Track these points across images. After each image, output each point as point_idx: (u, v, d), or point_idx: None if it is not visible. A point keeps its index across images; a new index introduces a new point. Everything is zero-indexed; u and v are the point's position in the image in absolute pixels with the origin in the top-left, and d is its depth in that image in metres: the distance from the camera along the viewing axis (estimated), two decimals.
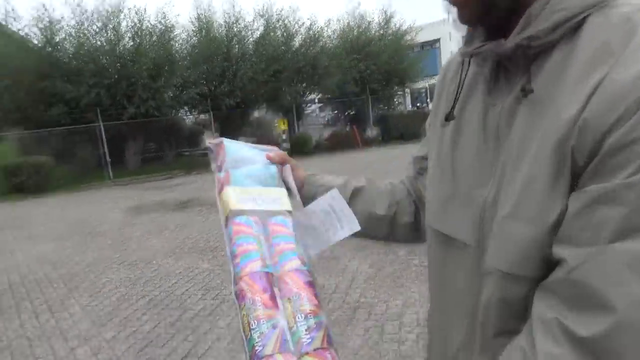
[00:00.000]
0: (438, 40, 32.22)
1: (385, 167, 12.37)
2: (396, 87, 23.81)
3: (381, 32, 22.75)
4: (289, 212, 0.90)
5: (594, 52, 0.60)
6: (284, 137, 17.69)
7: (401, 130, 20.51)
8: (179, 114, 19.09)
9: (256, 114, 21.14)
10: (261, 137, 18.19)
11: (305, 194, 1.02)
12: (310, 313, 0.73)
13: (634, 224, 0.53)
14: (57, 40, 15.86)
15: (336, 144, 19.03)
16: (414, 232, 1.03)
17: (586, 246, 0.56)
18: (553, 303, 0.59)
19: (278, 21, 19.50)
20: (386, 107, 23.57)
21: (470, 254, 0.73)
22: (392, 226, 1.03)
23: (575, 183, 0.60)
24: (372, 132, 21.69)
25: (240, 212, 0.85)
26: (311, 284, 0.78)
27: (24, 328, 4.28)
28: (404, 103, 26.90)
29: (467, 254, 0.73)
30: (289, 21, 19.69)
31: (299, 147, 17.61)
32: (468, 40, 0.77)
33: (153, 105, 15.82)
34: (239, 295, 0.75)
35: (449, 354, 0.80)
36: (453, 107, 0.78)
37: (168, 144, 18.02)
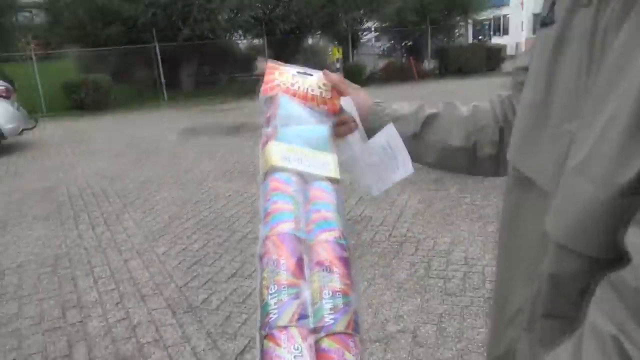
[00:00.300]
0: None
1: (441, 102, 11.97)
2: (458, 18, 22.61)
3: None
4: (336, 180, 0.79)
5: None
6: (337, 65, 17.27)
7: (460, 64, 19.67)
8: (233, 38, 18.89)
9: (310, 40, 20.67)
10: (314, 64, 17.86)
11: (368, 125, 0.88)
12: (339, 291, 0.63)
13: None
14: None
15: (391, 76, 18.49)
16: (498, 166, 0.84)
17: None
18: (616, 313, 0.41)
19: None
20: (446, 39, 22.52)
21: (543, 201, 0.56)
22: (471, 158, 0.86)
23: None
24: (429, 64, 20.90)
25: (282, 169, 0.76)
26: (346, 261, 0.67)
27: (82, 238, 4.48)
28: (465, 35, 25.61)
29: (545, 203, 0.55)
30: None
31: (352, 77, 16.92)
32: None
33: (208, 27, 15.68)
34: (263, 257, 0.66)
35: (507, 313, 0.67)
36: (551, 8, 0.60)
37: (222, 68, 17.98)
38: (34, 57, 14.16)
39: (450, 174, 5.00)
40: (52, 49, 15.97)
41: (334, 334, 0.60)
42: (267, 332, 0.59)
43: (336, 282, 0.64)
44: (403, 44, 22.39)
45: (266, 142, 0.82)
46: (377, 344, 2.68)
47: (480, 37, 28.76)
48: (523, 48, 16.28)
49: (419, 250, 3.82)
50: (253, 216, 4.81)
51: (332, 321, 0.60)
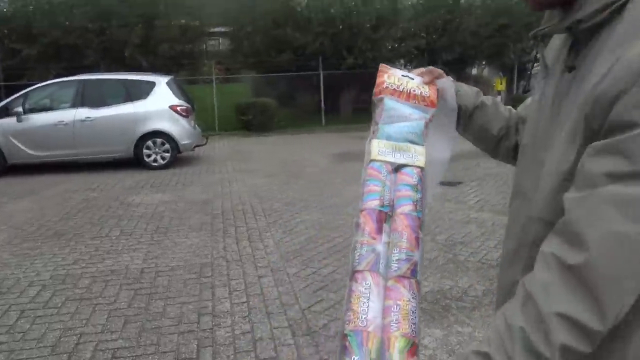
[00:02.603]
0: None
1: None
2: None
3: None
4: (420, 167, 1.02)
5: (624, 31, 0.70)
6: (499, 98, 16.60)
7: None
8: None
9: (474, 71, 20.15)
10: None
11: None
12: (405, 248, 0.89)
13: (625, 172, 0.65)
14: None
15: None
16: (513, 157, 1.12)
17: (584, 190, 0.70)
18: (553, 240, 0.73)
19: None
20: None
21: (528, 204, 0.88)
22: (497, 145, 1.17)
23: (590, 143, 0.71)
24: None
25: (378, 161, 1.01)
26: (415, 227, 0.92)
27: (226, 251, 4.88)
28: None
29: (528, 205, 0.88)
30: None
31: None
32: (544, 20, 0.90)
33: (371, 56, 16.11)
34: (356, 225, 0.93)
35: (508, 289, 0.91)
36: (528, 82, 0.92)
37: None
38: (214, 80, 15.81)
39: None
40: (231, 74, 17.67)
41: (396, 277, 0.87)
42: (350, 275, 0.88)
43: (404, 242, 0.89)
44: None
45: (371, 138, 1.06)
46: None
47: None
48: None
49: None
50: None
51: (396, 268, 0.87)
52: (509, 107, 1.21)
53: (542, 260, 0.73)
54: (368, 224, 0.91)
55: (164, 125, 9.56)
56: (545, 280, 0.71)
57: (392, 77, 1.13)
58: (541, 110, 0.89)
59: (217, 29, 19.02)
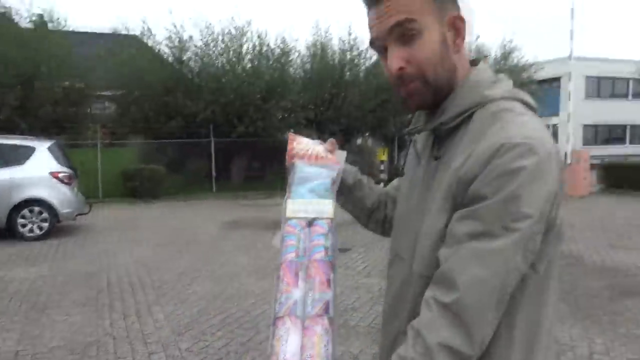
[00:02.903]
0: (558, 79, 30.47)
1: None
2: None
3: (497, 67, 22.05)
4: (330, 219, 1.17)
5: (473, 134, 0.98)
6: (381, 167, 17.65)
7: None
8: (284, 137, 19.71)
9: (359, 141, 21.32)
10: (361, 162, 18.29)
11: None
12: (318, 291, 1.03)
13: (480, 231, 0.89)
14: (184, 58, 17.19)
15: None
16: (382, 228, 1.40)
17: (452, 246, 0.93)
18: (432, 287, 0.94)
19: None
20: None
21: (406, 265, 1.08)
22: (369, 217, 1.41)
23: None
24: None
25: (293, 218, 1.15)
26: (327, 270, 1.07)
27: (113, 327, 4.64)
28: None
29: (406, 266, 1.08)
30: None
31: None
32: (414, 121, 1.18)
33: (261, 125, 16.52)
34: (277, 278, 1.06)
35: (392, 340, 1.10)
36: (403, 167, 1.26)
37: (271, 164, 18.67)
38: (99, 145, 15.23)
39: None
40: (117, 139, 17.13)
41: (312, 317, 0.99)
42: (272, 322, 1.00)
43: (316, 286, 1.04)
44: None
45: (286, 198, 1.21)
46: None
47: None
48: (569, 159, 16.30)
49: None
50: None
51: (311, 308, 1.00)
52: (380, 185, 1.46)
53: (425, 304, 0.93)
54: (287, 276, 1.05)
55: (42, 193, 9.00)
56: (428, 319, 0.91)
57: (300, 143, 1.32)
58: (413, 188, 1.13)
59: (104, 93, 18.49)
